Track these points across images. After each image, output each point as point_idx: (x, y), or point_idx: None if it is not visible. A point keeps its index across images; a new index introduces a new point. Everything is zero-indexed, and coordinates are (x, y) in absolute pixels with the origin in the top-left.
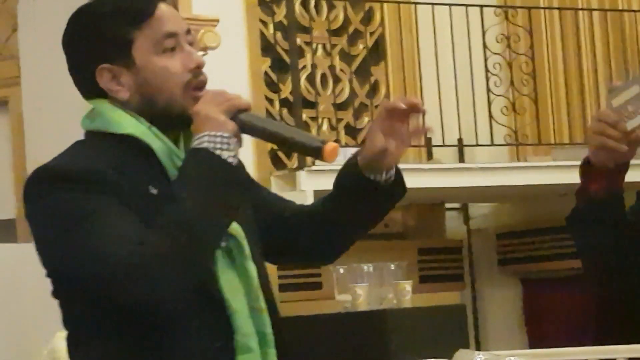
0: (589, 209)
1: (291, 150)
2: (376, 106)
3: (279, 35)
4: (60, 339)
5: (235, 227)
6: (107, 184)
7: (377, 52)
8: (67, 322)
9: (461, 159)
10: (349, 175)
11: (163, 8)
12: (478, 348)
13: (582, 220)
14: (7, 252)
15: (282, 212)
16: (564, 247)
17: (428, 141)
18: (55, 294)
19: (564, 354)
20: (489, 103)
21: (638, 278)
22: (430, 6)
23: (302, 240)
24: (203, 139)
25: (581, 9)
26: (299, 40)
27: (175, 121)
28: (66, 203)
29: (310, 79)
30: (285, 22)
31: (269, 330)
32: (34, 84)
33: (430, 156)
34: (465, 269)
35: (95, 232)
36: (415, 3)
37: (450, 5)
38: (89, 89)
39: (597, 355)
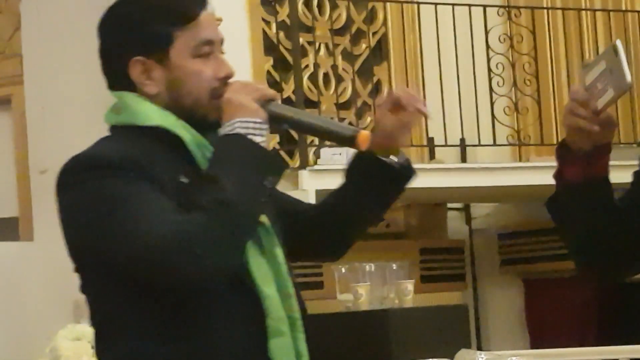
0: (566, 193)
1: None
2: (379, 106)
3: (281, 34)
4: (62, 337)
5: (262, 215)
6: (142, 171)
7: (379, 51)
8: (97, 316)
9: (463, 159)
10: (361, 160)
11: (206, 15)
12: (480, 348)
13: (559, 205)
14: (10, 250)
15: (293, 209)
16: (566, 247)
17: (430, 141)
18: (85, 288)
19: (566, 354)
20: (492, 103)
21: (623, 265)
22: (433, 6)
23: (311, 236)
24: (235, 125)
25: (584, 10)
26: (301, 40)
27: (197, 123)
28: (104, 188)
29: (313, 78)
30: (287, 21)
31: (297, 315)
32: (37, 83)
33: (432, 156)
34: (467, 269)
35: (136, 214)
36: (418, 3)
37: (453, 5)
38: (117, 79)
39: (599, 355)
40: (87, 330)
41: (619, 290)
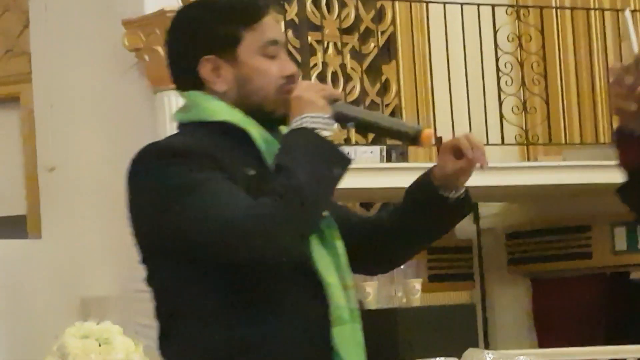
0: (633, 179)
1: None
2: (387, 105)
3: (290, 33)
4: (69, 335)
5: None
6: (214, 160)
7: (388, 50)
8: (164, 306)
9: None
10: (422, 190)
11: (271, 16)
12: (487, 347)
13: (630, 193)
14: (18, 248)
15: (348, 219)
16: (574, 246)
17: (439, 140)
18: (152, 279)
19: (574, 353)
20: (500, 102)
21: None
22: (441, 5)
23: (362, 251)
24: (304, 120)
25: (593, 9)
26: (310, 39)
27: (262, 120)
28: (180, 174)
29: (321, 77)
30: (296, 20)
31: (355, 306)
32: (45, 81)
33: None
34: (474, 268)
35: (212, 198)
36: (427, 2)
37: (461, 4)
38: (187, 78)
39: (606, 355)
40: (94, 328)
41: (626, 289)
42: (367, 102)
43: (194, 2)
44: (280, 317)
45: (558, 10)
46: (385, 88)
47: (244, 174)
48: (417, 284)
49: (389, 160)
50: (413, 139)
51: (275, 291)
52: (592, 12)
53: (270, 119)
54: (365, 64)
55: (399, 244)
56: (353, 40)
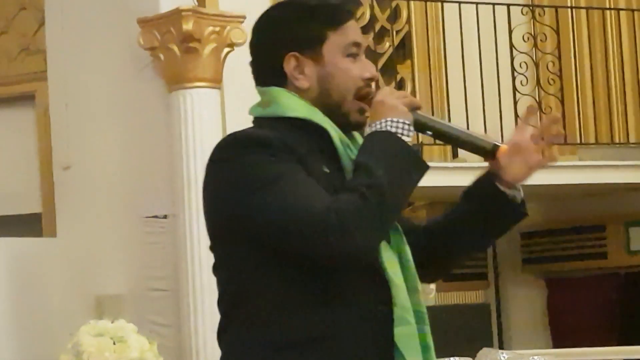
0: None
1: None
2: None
3: None
4: (84, 333)
5: None
6: (293, 153)
7: (403, 50)
8: (228, 294)
9: None
10: (483, 185)
11: (354, 21)
12: (501, 347)
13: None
14: (33, 246)
15: (403, 225)
16: (588, 247)
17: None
18: (220, 266)
19: (588, 353)
20: (515, 102)
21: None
22: (457, 4)
23: (417, 258)
24: (386, 124)
25: (608, 9)
26: None
27: (340, 120)
28: (261, 164)
29: None
30: None
31: (423, 309)
32: (61, 79)
33: (455, 154)
34: (489, 268)
35: (293, 189)
36: (442, 1)
37: (477, 3)
38: (270, 73)
39: (621, 355)
40: (109, 327)
41: None
42: None
43: (283, 1)
44: (347, 310)
45: (573, 10)
46: (400, 87)
47: (320, 171)
48: (432, 284)
49: None
50: (490, 153)
51: (344, 285)
52: (607, 12)
53: (345, 122)
54: (381, 63)
55: (453, 250)
56: (368, 39)
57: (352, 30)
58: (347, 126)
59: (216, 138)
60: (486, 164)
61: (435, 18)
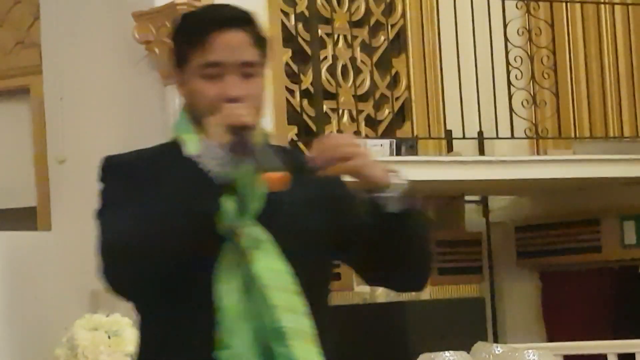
0: None
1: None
2: (397, 98)
3: (300, 26)
4: (79, 327)
5: (250, 232)
6: (122, 170)
7: (398, 44)
8: None
9: (481, 151)
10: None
11: (221, 36)
12: (496, 341)
13: None
14: (28, 240)
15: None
16: (583, 240)
17: (448, 134)
18: None
19: (582, 347)
20: (510, 96)
21: None
22: None
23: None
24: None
25: (603, 3)
26: (320, 32)
27: None
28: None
29: (331, 70)
30: (306, 13)
31: (284, 325)
32: (56, 73)
33: (450, 149)
34: (484, 262)
35: (104, 221)
36: None
37: None
38: None
39: (615, 348)
40: (104, 321)
41: (635, 282)
42: (377, 95)
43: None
44: (172, 330)
45: (568, 4)
46: (395, 81)
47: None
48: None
49: (398, 153)
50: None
51: (180, 328)
52: (602, 6)
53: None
54: (376, 57)
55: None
56: (363, 33)
57: (211, 49)
58: None
59: None
60: (482, 158)
61: (431, 12)
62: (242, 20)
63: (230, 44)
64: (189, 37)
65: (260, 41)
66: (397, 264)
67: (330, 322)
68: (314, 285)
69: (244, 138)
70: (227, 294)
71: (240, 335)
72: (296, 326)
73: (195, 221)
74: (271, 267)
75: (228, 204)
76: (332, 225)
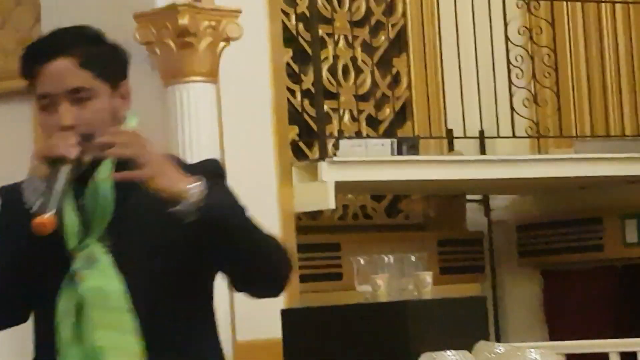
0: None
1: None
2: (398, 97)
3: (301, 26)
4: None
5: (84, 252)
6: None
7: (398, 43)
8: None
9: (482, 150)
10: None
11: (44, 67)
12: (498, 340)
13: None
14: None
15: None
16: (585, 239)
17: (449, 133)
18: None
19: (584, 346)
20: (511, 95)
21: None
22: None
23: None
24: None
25: (604, 2)
26: (321, 32)
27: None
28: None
29: (332, 70)
30: (307, 13)
31: (97, 343)
32: None
33: (451, 148)
34: (485, 261)
35: None
36: None
37: None
38: None
39: (617, 347)
40: None
41: (637, 281)
42: (378, 94)
43: None
44: (38, 338)
45: (569, 3)
46: (395, 81)
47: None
48: (428, 277)
49: (399, 153)
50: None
51: (37, 318)
52: (603, 5)
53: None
54: (376, 57)
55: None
56: (364, 33)
57: (41, 82)
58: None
59: (212, 132)
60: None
61: (431, 11)
62: (67, 46)
63: (52, 74)
64: (23, 72)
65: (92, 62)
66: (237, 272)
67: (209, 330)
68: (173, 297)
69: (58, 169)
70: (63, 315)
71: (71, 358)
72: (117, 344)
73: (12, 259)
74: (98, 287)
75: (72, 226)
76: (186, 237)
